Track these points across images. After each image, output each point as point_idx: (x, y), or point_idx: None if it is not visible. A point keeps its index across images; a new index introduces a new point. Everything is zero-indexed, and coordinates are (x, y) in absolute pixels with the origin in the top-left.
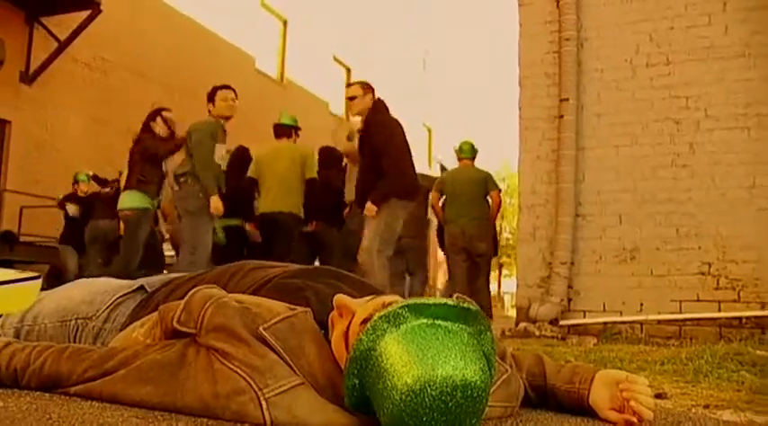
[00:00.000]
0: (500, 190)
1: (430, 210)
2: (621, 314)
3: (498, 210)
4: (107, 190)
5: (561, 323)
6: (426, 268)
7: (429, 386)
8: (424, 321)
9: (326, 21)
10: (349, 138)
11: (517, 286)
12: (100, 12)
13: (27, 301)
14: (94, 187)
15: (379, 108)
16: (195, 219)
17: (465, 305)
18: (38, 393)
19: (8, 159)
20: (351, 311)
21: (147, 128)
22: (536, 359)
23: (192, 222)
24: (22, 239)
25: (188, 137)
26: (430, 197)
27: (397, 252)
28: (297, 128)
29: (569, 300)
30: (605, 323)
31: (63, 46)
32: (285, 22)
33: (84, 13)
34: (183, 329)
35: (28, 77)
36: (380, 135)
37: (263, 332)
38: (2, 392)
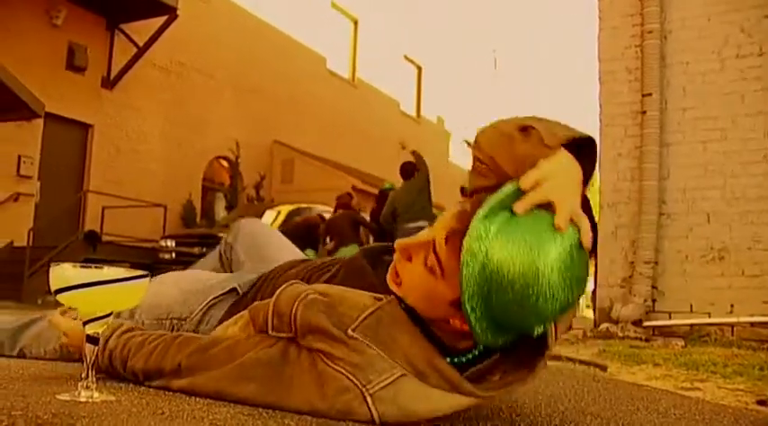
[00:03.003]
0: None
1: None
2: (710, 315)
3: None
4: None
5: (645, 324)
6: None
7: (559, 251)
8: (510, 214)
9: (397, 19)
10: None
11: (598, 285)
12: (176, 17)
13: (135, 299)
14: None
15: None
16: None
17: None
18: (144, 388)
19: (91, 161)
20: (422, 243)
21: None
22: None
23: None
24: (104, 239)
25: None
26: None
27: None
28: None
29: (653, 301)
30: (692, 325)
31: (142, 51)
32: (356, 22)
33: (162, 19)
34: (281, 336)
35: (109, 82)
36: None
37: (352, 333)
38: (110, 385)
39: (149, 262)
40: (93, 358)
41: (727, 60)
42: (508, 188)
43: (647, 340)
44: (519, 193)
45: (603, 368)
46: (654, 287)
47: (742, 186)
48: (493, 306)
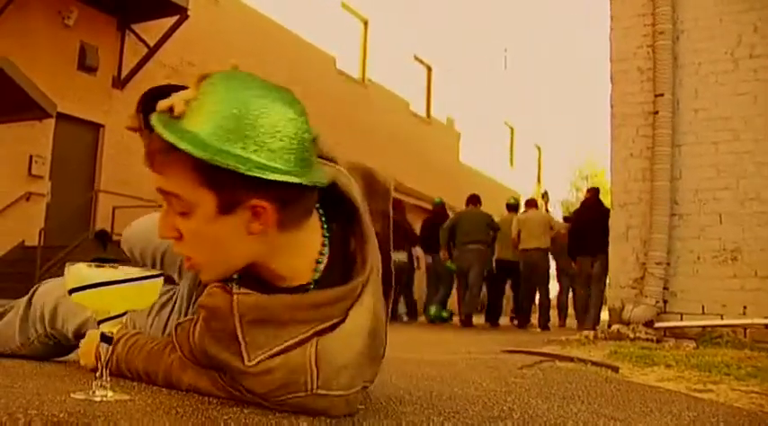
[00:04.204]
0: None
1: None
2: (722, 317)
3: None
4: None
5: (657, 325)
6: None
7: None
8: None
9: (407, 20)
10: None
11: (609, 286)
12: (187, 17)
13: (150, 298)
14: None
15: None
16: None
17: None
18: (156, 387)
19: (102, 161)
20: (167, 209)
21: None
22: None
23: None
24: (114, 238)
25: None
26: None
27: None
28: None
29: (665, 302)
30: (704, 327)
31: (152, 51)
32: (366, 22)
33: (173, 19)
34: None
35: (120, 82)
36: None
37: (250, 363)
38: (123, 384)
39: None
40: (107, 357)
41: (740, 60)
42: (155, 116)
43: (658, 341)
44: (166, 113)
45: (615, 370)
46: (665, 288)
47: (755, 187)
48: (270, 155)
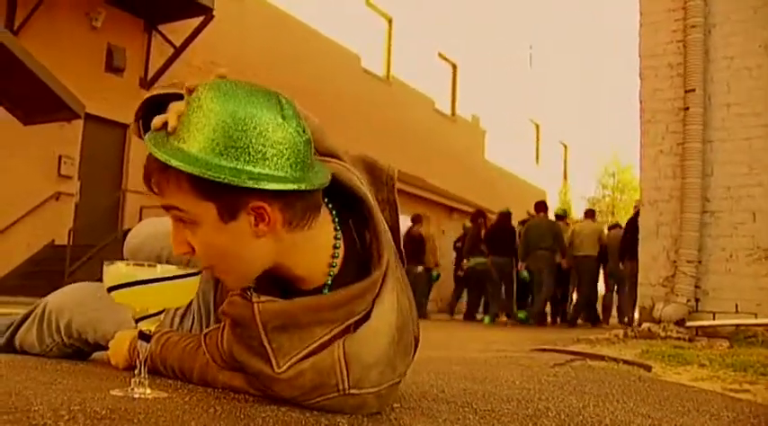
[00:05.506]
0: None
1: None
2: (757, 316)
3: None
4: None
5: (688, 324)
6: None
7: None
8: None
9: (431, 17)
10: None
11: (639, 284)
12: (212, 17)
13: (188, 296)
14: None
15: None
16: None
17: None
18: (192, 385)
19: (129, 161)
20: (178, 227)
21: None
22: None
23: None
24: None
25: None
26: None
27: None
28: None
29: (697, 300)
30: (737, 326)
31: (178, 52)
32: (390, 21)
33: (198, 20)
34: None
35: (147, 83)
36: None
37: (280, 370)
38: (160, 383)
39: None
40: (145, 354)
41: None
42: (148, 135)
43: (690, 340)
44: (158, 131)
45: (648, 369)
46: (697, 286)
47: None
48: (263, 163)
